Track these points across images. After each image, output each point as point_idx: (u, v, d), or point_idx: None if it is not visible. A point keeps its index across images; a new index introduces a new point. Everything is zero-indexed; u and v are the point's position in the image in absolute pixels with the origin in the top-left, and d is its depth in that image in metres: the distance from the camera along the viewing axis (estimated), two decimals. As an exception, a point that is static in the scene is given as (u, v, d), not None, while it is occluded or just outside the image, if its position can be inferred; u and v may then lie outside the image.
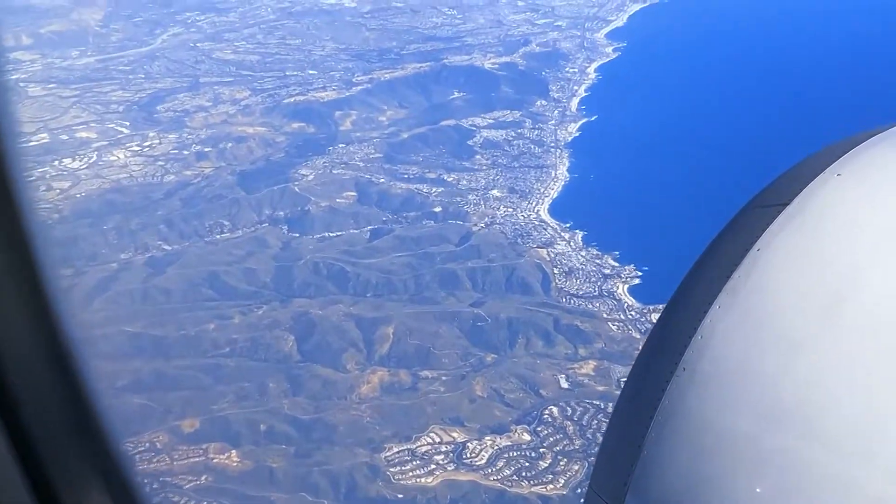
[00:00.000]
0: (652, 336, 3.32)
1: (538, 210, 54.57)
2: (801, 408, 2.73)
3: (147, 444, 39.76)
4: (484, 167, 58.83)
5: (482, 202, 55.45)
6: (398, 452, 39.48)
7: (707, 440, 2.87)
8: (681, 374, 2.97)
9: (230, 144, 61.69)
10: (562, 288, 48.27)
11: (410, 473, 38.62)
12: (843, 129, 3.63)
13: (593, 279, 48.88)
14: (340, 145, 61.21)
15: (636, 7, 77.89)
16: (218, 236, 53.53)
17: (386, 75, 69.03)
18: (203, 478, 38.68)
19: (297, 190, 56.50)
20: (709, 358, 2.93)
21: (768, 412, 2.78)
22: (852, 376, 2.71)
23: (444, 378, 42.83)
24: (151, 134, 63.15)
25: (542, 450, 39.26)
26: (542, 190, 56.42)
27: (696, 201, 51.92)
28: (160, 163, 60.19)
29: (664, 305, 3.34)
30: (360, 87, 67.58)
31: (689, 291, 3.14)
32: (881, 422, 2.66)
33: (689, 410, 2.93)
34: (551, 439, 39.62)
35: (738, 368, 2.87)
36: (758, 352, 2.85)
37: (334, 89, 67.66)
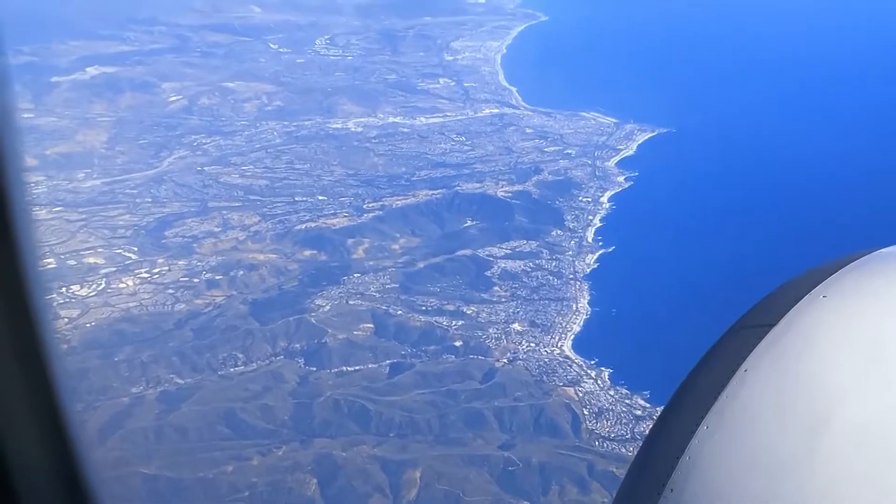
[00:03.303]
0: (639, 456, 3.30)
1: (561, 345, 53.36)
2: None
3: None
4: (503, 299, 57.71)
5: (503, 336, 54.20)
6: None
7: None
8: (668, 495, 2.95)
9: (241, 272, 60.50)
10: (593, 430, 46.84)
11: None
12: (834, 251, 3.62)
13: (624, 421, 47.52)
14: (355, 274, 60.03)
15: (645, 136, 77.92)
16: (232, 369, 51.95)
17: (397, 202, 68.36)
18: None
19: (313, 321, 55.13)
20: (696, 479, 2.92)
21: None
22: (839, 498, 2.70)
23: (476, 528, 41.13)
24: (160, 260, 61.92)
25: None
26: (563, 324, 55.27)
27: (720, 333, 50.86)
28: (170, 291, 58.84)
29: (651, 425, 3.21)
30: (371, 214, 66.80)
31: (677, 411, 3.14)
32: None
33: None
34: None
35: (726, 489, 2.86)
36: (745, 473, 2.84)
37: (345, 216, 66.86)
